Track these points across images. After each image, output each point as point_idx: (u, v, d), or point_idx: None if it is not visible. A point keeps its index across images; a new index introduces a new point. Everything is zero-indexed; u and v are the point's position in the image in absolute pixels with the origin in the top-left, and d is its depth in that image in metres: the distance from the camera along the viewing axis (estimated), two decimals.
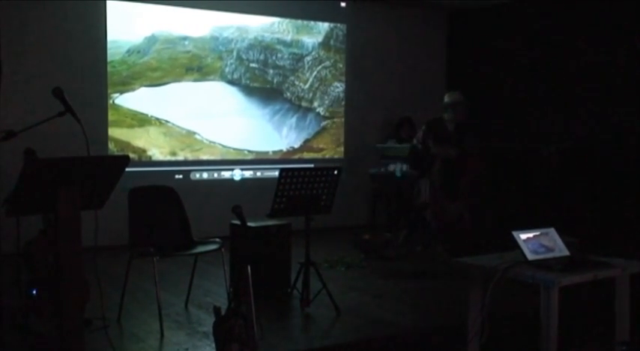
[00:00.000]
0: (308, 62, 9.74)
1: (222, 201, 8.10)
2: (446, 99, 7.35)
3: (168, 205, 5.54)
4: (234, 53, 9.14)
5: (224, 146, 9.08)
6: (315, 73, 9.81)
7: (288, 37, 9.54)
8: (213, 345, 4.09)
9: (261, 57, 9.37)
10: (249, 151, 9.28)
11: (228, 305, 4.08)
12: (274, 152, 9.49)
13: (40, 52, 7.81)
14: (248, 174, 9.22)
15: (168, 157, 8.67)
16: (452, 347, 4.64)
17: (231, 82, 9.16)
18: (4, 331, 4.73)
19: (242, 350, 3.85)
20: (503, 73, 9.94)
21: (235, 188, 8.95)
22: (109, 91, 8.25)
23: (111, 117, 8.27)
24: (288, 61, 9.57)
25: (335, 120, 10.01)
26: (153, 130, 8.56)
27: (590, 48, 8.79)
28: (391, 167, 9.08)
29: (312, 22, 9.71)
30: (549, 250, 4.10)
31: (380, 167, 9.30)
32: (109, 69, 8.23)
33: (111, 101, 8.28)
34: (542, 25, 9.44)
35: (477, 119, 7.81)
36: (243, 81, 9.25)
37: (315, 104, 9.83)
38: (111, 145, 8.25)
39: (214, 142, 9.00)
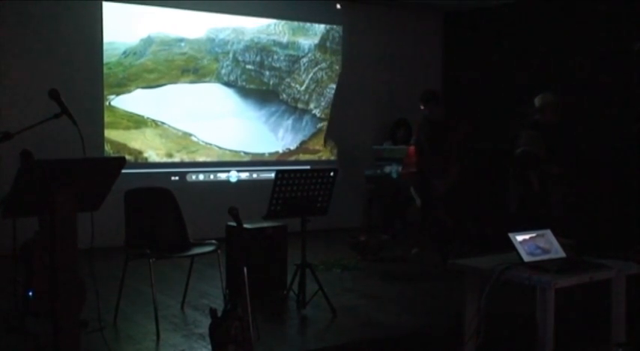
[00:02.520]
0: (304, 64, 9.75)
1: (218, 203, 8.10)
2: (535, 102, 7.13)
3: (165, 206, 5.54)
4: (231, 55, 9.14)
5: (220, 148, 9.08)
6: (311, 74, 9.81)
7: (284, 39, 9.55)
8: (210, 347, 4.09)
9: (258, 59, 9.37)
10: (245, 153, 9.27)
11: (225, 307, 4.07)
12: (270, 154, 9.49)
13: (36, 53, 7.80)
14: (244, 175, 9.22)
15: (165, 159, 8.66)
16: (448, 349, 4.64)
17: (228, 84, 9.16)
18: (0, 332, 4.73)
19: None
20: (499, 74, 9.95)
21: (231, 190, 8.95)
22: (105, 92, 8.24)
23: (107, 119, 8.26)
24: (284, 63, 9.58)
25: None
26: (149, 132, 8.55)
27: (588, 49, 8.80)
28: (387, 169, 9.09)
29: (308, 24, 9.72)
30: (545, 251, 4.11)
31: (376, 169, 9.30)
32: (105, 70, 8.22)
33: (107, 103, 8.27)
34: (539, 27, 9.45)
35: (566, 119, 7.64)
36: (240, 83, 9.24)
37: (311, 106, 9.84)
38: (107, 147, 8.25)
39: (210, 144, 9.00)
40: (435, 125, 7.20)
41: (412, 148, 7.72)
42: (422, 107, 7.26)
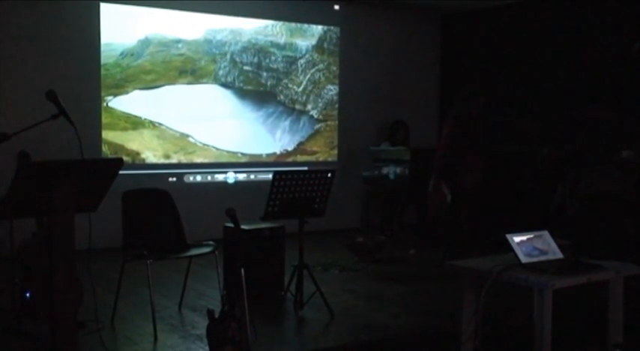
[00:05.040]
0: (302, 65, 9.75)
1: (215, 204, 8.10)
2: (623, 154, 7.04)
3: (162, 207, 5.54)
4: (228, 56, 9.14)
5: (218, 149, 9.07)
6: (308, 75, 9.81)
7: (282, 40, 9.55)
8: (207, 348, 4.09)
9: (255, 60, 9.37)
10: (242, 154, 9.27)
11: (222, 308, 4.07)
12: (268, 155, 9.49)
13: (33, 54, 7.79)
14: (242, 177, 9.22)
15: (162, 160, 8.66)
16: (446, 350, 4.64)
17: (225, 85, 9.15)
18: None
19: None
20: (497, 75, 9.95)
21: (229, 191, 8.95)
22: (103, 93, 8.23)
23: (104, 120, 8.25)
24: (281, 64, 9.58)
25: (329, 123, 10.02)
26: (146, 133, 8.55)
27: (586, 50, 8.81)
28: (385, 170, 9.09)
29: (305, 25, 9.72)
30: (543, 252, 4.12)
31: (373, 170, 9.30)
32: (102, 72, 8.21)
33: (104, 104, 8.26)
34: (537, 28, 9.46)
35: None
36: (237, 84, 9.24)
37: (309, 107, 9.84)
38: (104, 148, 8.24)
39: (208, 145, 8.99)
40: (471, 119, 7.16)
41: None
42: (469, 104, 7.20)
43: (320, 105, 9.93)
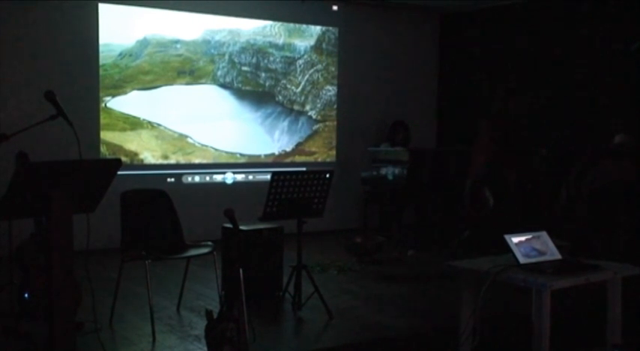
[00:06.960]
0: (300, 65, 9.74)
1: (214, 204, 8.11)
2: (615, 139, 7.00)
3: (160, 208, 5.54)
4: (227, 57, 9.14)
5: (216, 149, 9.07)
6: (307, 76, 9.81)
7: (280, 41, 9.54)
8: (205, 348, 4.09)
9: (254, 60, 9.37)
10: (241, 155, 9.27)
11: (220, 308, 4.07)
12: (266, 155, 9.49)
13: (32, 55, 7.79)
14: (240, 177, 9.22)
15: (160, 161, 8.65)
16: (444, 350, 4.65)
17: (223, 86, 9.15)
18: None
19: None
20: (495, 76, 9.96)
21: (227, 191, 8.95)
22: (101, 94, 8.23)
23: (103, 120, 8.25)
24: (280, 65, 9.57)
25: (327, 123, 10.01)
26: (145, 134, 8.55)
27: (585, 50, 8.81)
28: (383, 171, 9.08)
29: (304, 26, 9.72)
30: (541, 253, 4.12)
31: (372, 171, 9.29)
32: (101, 72, 8.21)
33: (103, 104, 8.26)
34: (535, 29, 9.46)
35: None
36: (235, 84, 9.24)
37: (307, 107, 9.83)
38: (103, 149, 8.23)
39: (206, 146, 8.99)
40: (507, 119, 7.16)
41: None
42: (510, 103, 7.20)
43: (318, 105, 9.93)
